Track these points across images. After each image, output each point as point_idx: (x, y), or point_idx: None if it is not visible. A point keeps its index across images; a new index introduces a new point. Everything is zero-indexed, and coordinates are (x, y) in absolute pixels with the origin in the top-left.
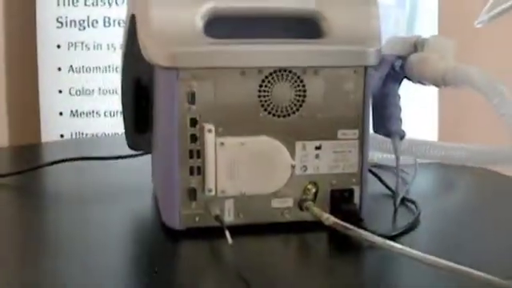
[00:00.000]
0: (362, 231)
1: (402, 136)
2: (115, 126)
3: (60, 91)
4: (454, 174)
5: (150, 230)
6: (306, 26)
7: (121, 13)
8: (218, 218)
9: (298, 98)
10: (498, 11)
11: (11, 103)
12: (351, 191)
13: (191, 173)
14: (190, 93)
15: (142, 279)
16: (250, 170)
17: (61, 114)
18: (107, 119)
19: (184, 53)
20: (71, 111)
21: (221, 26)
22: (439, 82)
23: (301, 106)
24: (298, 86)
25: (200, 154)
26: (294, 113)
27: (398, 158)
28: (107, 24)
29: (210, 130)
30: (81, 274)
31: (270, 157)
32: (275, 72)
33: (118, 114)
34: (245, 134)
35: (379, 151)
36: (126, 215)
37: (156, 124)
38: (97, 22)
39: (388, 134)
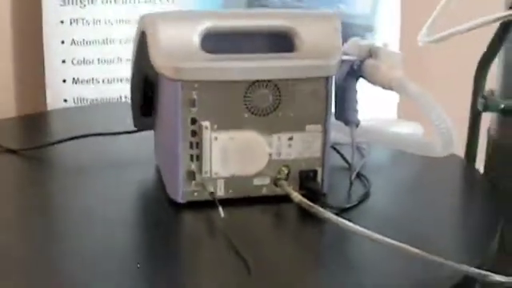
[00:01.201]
0: (319, 209)
1: (357, 124)
2: (111, 91)
3: (63, 61)
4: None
5: (157, 200)
6: (282, 40)
7: None
8: (212, 194)
9: (274, 101)
10: (441, 36)
11: (18, 73)
12: (315, 172)
13: (191, 159)
14: (190, 99)
15: (150, 243)
16: (237, 156)
17: (64, 81)
18: (105, 85)
19: (186, 68)
20: (73, 79)
21: (214, 40)
22: (386, 87)
23: (277, 107)
24: (275, 92)
25: (198, 145)
26: (271, 112)
27: (353, 142)
28: (105, 2)
29: (206, 127)
30: (94, 238)
31: (252, 146)
32: (257, 82)
33: (114, 80)
34: (233, 130)
35: (341, 133)
36: (134, 187)
37: (161, 118)
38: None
39: (346, 123)
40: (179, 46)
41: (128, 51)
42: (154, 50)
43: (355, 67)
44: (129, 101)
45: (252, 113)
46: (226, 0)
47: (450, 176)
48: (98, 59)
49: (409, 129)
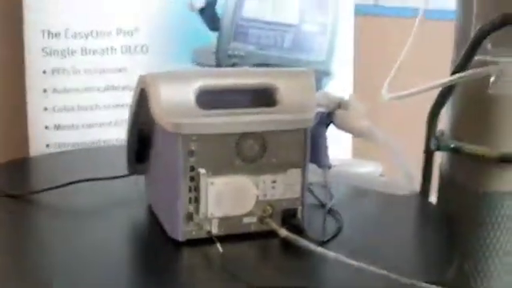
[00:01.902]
0: (304, 242)
1: (329, 167)
2: (91, 135)
3: (45, 108)
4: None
5: (155, 238)
6: (265, 94)
7: (95, 44)
8: (208, 232)
9: (261, 149)
10: (401, 95)
11: (1, 121)
12: (296, 210)
13: (190, 202)
14: (190, 150)
15: (156, 278)
16: (229, 199)
17: (46, 127)
18: (85, 130)
19: (186, 124)
20: (55, 125)
21: (207, 96)
22: (356, 135)
23: (263, 154)
24: (261, 142)
25: (196, 189)
26: (258, 159)
27: (326, 183)
28: (84, 53)
29: (203, 174)
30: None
31: (242, 190)
32: (246, 134)
33: (94, 126)
34: (226, 175)
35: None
36: (131, 227)
37: (158, 164)
38: (75, 51)
39: (319, 166)
40: (178, 103)
41: (106, 98)
42: (156, 107)
43: (325, 116)
44: (108, 144)
45: (242, 160)
46: (196, 52)
47: (407, 209)
48: (78, 106)
49: (370, 168)
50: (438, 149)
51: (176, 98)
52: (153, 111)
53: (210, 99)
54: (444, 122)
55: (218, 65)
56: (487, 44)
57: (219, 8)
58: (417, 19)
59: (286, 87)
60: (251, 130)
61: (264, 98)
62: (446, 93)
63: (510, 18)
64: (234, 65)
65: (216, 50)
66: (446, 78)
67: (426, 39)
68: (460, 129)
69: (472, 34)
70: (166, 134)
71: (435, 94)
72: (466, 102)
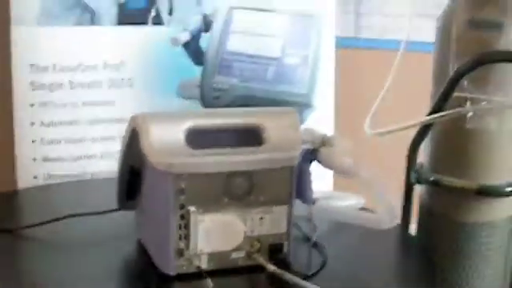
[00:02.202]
0: (290, 276)
1: (314, 202)
2: (79, 168)
3: (33, 141)
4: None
5: (146, 273)
6: (252, 133)
7: (82, 78)
8: (198, 267)
9: (249, 187)
10: (382, 132)
11: None
12: (282, 245)
13: (180, 238)
14: (180, 188)
15: None
16: (218, 235)
17: (34, 159)
18: (73, 163)
19: (177, 163)
20: (43, 157)
21: (196, 135)
22: (339, 172)
23: (251, 192)
24: (249, 180)
25: (186, 226)
26: (246, 197)
27: (311, 219)
28: (71, 87)
29: (193, 211)
30: None
31: (231, 226)
32: (234, 172)
33: (81, 158)
34: (215, 213)
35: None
36: (121, 262)
37: (149, 201)
38: (63, 85)
39: (304, 201)
40: (168, 143)
41: (93, 131)
42: (147, 147)
43: (309, 152)
44: (96, 177)
45: (230, 198)
46: (181, 86)
47: (389, 241)
48: (66, 139)
49: (352, 201)
50: (418, 182)
51: (166, 138)
52: (144, 151)
53: (199, 139)
54: (424, 155)
55: (203, 98)
56: (464, 81)
57: (204, 42)
58: (399, 52)
59: (272, 126)
60: (239, 169)
61: (251, 137)
62: (425, 128)
63: (487, 57)
64: (217, 98)
65: (200, 83)
66: (426, 118)
67: (408, 71)
68: (439, 162)
69: (450, 68)
70: (157, 173)
71: (416, 127)
72: (444, 136)
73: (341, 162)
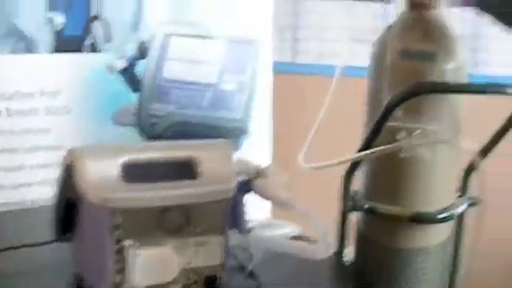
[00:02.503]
0: None
1: (248, 231)
2: (18, 196)
3: None
4: None
5: None
6: (187, 167)
7: (19, 106)
8: None
9: (184, 220)
10: (318, 166)
11: None
12: (218, 276)
13: (116, 273)
14: (116, 223)
15: None
16: (155, 268)
17: None
18: (11, 190)
19: (112, 198)
20: None
21: (132, 169)
22: (275, 204)
23: (186, 225)
24: (185, 213)
25: (123, 260)
26: (182, 230)
27: (247, 248)
28: (9, 114)
29: (129, 246)
30: None
31: (167, 260)
32: (168, 207)
33: (21, 186)
34: (151, 246)
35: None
36: None
37: (85, 235)
38: (0, 112)
39: (239, 231)
40: (104, 177)
41: (31, 159)
42: (83, 182)
43: (243, 183)
44: (35, 205)
45: (166, 231)
46: (117, 113)
47: (324, 270)
48: (5, 167)
49: (288, 229)
50: (353, 209)
51: (102, 173)
52: (79, 185)
53: (134, 173)
54: (359, 183)
55: (139, 125)
56: (398, 111)
57: (140, 69)
58: (335, 77)
59: (206, 159)
60: (174, 203)
61: (186, 170)
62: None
63: (420, 89)
64: (154, 125)
65: (137, 110)
66: (357, 154)
67: (347, 97)
68: (374, 189)
69: (383, 98)
70: (93, 207)
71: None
72: (378, 164)
73: (276, 193)
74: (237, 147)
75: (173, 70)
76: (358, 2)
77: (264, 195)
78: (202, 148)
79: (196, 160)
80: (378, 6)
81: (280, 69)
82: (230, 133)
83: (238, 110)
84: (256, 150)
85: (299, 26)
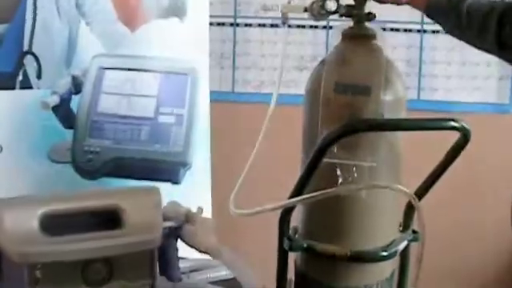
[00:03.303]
0: None
1: (179, 279)
2: None
3: None
4: None
5: None
6: (111, 215)
7: None
8: None
9: (108, 273)
10: (249, 212)
11: None
12: None
13: None
14: (35, 278)
15: None
16: None
17: None
18: None
19: (29, 253)
20: None
21: (52, 220)
22: (202, 252)
23: (110, 277)
24: (108, 265)
25: None
26: (106, 283)
27: None
28: None
29: None
30: None
31: None
32: (91, 259)
33: None
34: None
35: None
36: None
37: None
38: None
39: (169, 279)
40: (22, 231)
41: None
42: (1, 237)
43: (174, 230)
44: None
45: (89, 284)
46: (52, 150)
47: None
48: None
49: (223, 272)
50: (291, 249)
51: (20, 226)
52: None
53: (54, 225)
54: (297, 220)
55: (75, 161)
56: (334, 148)
57: (74, 105)
58: (270, 106)
59: (132, 208)
60: (98, 256)
61: (110, 219)
62: (296, 195)
63: (355, 127)
64: (90, 161)
65: (72, 146)
66: (291, 200)
67: (284, 124)
68: (312, 228)
69: (319, 134)
70: (11, 262)
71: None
72: (316, 203)
73: (203, 241)
74: (177, 180)
75: (108, 104)
76: (300, 30)
77: (191, 243)
78: (127, 196)
79: (121, 209)
80: (322, 34)
81: (219, 98)
82: (170, 166)
83: (177, 143)
84: (196, 182)
85: (238, 54)
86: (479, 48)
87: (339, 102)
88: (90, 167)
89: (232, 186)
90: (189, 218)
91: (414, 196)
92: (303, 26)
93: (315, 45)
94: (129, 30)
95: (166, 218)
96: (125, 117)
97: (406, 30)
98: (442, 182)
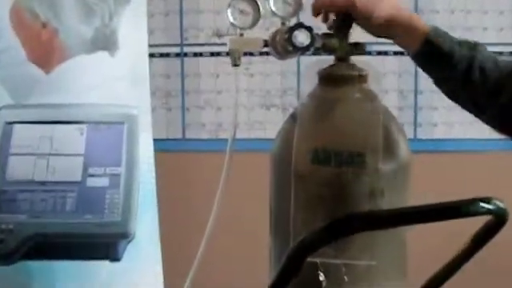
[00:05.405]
0: None
1: None
2: None
3: None
4: None
5: None
6: None
7: None
8: None
9: None
10: None
11: None
12: None
13: None
14: None
15: None
16: None
17: None
18: None
19: None
20: None
21: None
22: None
23: None
24: None
25: None
26: None
27: None
28: None
29: None
30: None
31: None
32: None
33: None
34: None
35: None
36: None
37: None
38: None
39: None
40: None
41: None
42: None
43: None
44: None
45: None
46: None
47: None
48: None
49: None
50: None
51: None
52: None
53: None
54: None
55: None
56: None
57: None
58: (227, 153)
59: None
60: None
61: None
62: None
63: (349, 227)
64: (2, 241)
65: None
66: None
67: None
68: None
69: (291, 220)
70: None
71: None
72: None
73: None
74: (117, 257)
75: (19, 168)
76: (264, 58)
77: None
78: None
79: None
80: (292, 62)
81: (166, 148)
82: (107, 240)
83: (114, 210)
84: (141, 256)
85: (188, 91)
86: (477, 110)
87: (319, 177)
88: (4, 249)
89: (187, 259)
90: None
91: None
92: (267, 53)
93: (284, 76)
94: (43, 71)
95: None
96: (43, 183)
97: (396, 53)
98: None
